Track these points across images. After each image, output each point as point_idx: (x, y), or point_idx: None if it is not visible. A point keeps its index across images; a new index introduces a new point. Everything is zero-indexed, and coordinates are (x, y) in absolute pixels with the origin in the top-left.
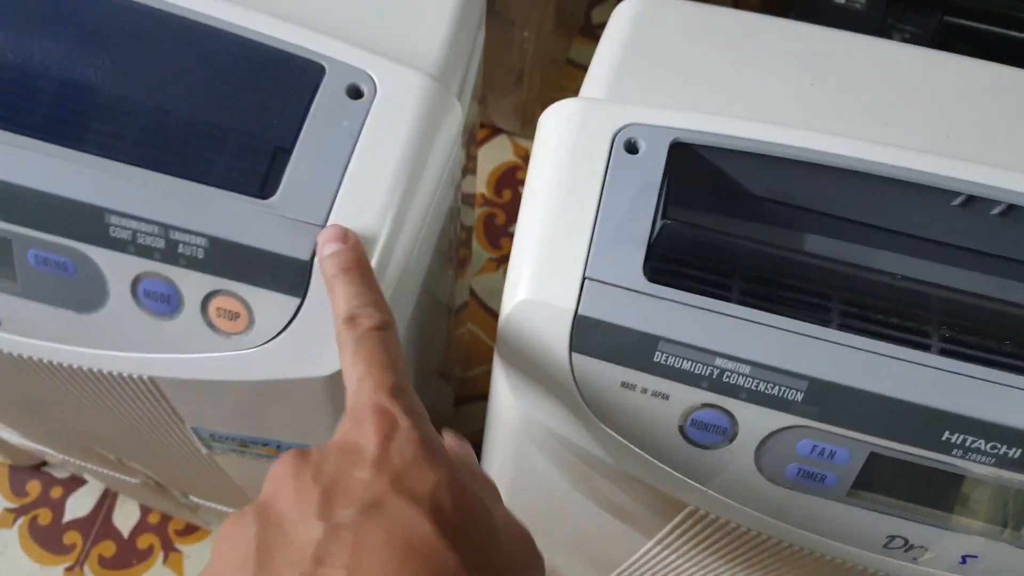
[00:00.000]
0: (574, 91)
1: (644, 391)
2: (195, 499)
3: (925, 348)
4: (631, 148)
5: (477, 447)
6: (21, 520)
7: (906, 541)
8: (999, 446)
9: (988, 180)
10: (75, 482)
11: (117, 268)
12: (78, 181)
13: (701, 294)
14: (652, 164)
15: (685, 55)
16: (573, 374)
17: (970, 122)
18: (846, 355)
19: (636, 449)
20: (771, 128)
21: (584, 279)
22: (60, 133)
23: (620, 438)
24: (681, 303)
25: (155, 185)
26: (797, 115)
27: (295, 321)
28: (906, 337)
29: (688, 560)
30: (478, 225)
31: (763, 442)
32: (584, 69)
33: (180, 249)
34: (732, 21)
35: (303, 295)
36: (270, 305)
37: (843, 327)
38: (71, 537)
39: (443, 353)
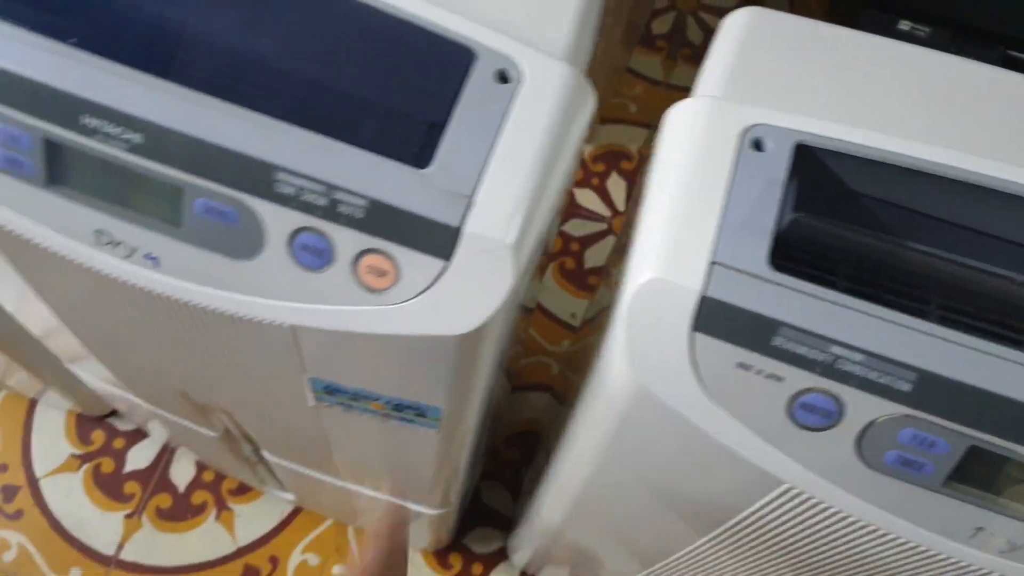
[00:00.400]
0: (631, 98)
1: (759, 372)
2: (268, 455)
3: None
4: (757, 146)
5: (528, 434)
6: (86, 466)
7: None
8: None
9: None
10: (137, 435)
11: (278, 221)
12: (252, 138)
13: (821, 285)
14: (777, 162)
15: (795, 64)
16: (693, 352)
17: None
18: (952, 350)
19: (743, 427)
20: (887, 138)
21: (712, 263)
22: (239, 93)
23: (729, 415)
24: (802, 292)
25: (322, 147)
26: (908, 126)
27: (438, 282)
28: (1008, 335)
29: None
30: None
31: (866, 428)
32: (641, 77)
33: (340, 208)
34: (837, 36)
35: (449, 258)
36: (417, 265)
37: (949, 323)
38: (131, 487)
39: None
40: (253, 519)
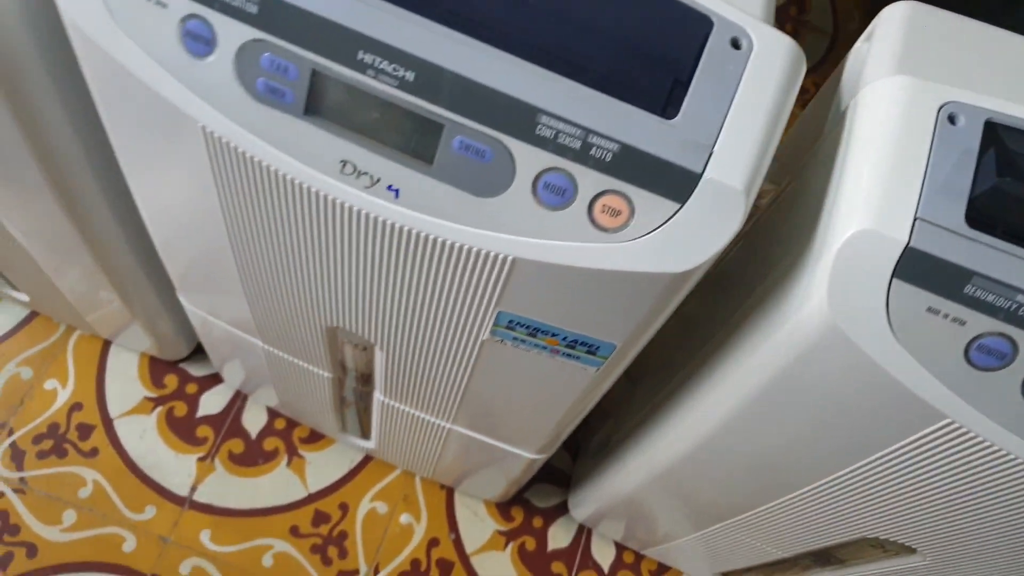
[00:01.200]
0: None
1: (945, 316)
2: (382, 397)
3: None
4: (952, 120)
5: None
6: (159, 409)
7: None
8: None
9: None
10: (210, 381)
11: (530, 161)
12: (519, 82)
13: (1011, 242)
14: (970, 135)
15: (958, 51)
16: (888, 296)
17: None
18: None
19: (920, 366)
20: None
21: (916, 219)
22: (508, 42)
23: (910, 355)
24: (995, 247)
25: (581, 94)
26: None
27: (669, 222)
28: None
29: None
30: None
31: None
32: None
33: (592, 151)
34: (981, 29)
35: (684, 201)
36: (652, 207)
37: None
38: (203, 431)
39: None
40: (324, 467)
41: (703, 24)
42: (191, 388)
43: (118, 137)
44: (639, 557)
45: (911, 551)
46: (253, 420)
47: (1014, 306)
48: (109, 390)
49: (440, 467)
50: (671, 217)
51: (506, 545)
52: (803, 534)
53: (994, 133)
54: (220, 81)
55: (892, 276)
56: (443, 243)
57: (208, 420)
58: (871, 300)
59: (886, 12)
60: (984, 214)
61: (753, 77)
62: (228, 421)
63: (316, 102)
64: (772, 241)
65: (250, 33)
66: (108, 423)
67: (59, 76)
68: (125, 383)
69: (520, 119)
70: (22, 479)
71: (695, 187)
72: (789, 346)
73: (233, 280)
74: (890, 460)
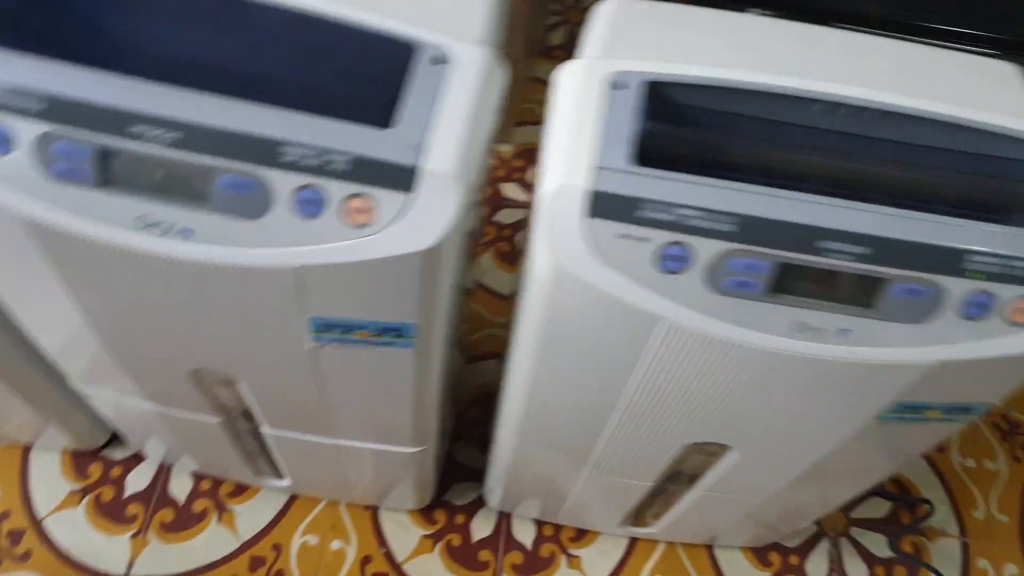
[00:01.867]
0: (537, 102)
1: (633, 238)
2: (268, 430)
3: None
4: (619, 86)
5: (487, 396)
6: (87, 498)
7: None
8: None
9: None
10: (132, 461)
11: (284, 184)
12: (262, 123)
13: (669, 170)
14: (634, 95)
15: (650, 31)
16: (587, 232)
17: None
18: (760, 200)
19: (628, 280)
20: (714, 69)
21: (596, 168)
22: (248, 93)
23: (617, 274)
24: (658, 177)
25: (313, 122)
26: (731, 61)
27: (406, 211)
28: (799, 186)
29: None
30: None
31: (710, 264)
32: (544, 83)
33: (331, 165)
34: (684, 11)
35: (411, 191)
36: (390, 201)
37: (757, 183)
38: (133, 509)
39: (459, 327)
40: (252, 515)
41: (407, 49)
42: (115, 472)
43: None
44: (557, 528)
45: (726, 447)
46: (179, 487)
47: (674, 219)
48: (35, 492)
49: (352, 487)
50: (405, 206)
51: (434, 547)
52: (646, 458)
53: (653, 90)
54: None
55: (586, 216)
56: (234, 267)
57: (136, 497)
58: (576, 238)
59: (598, 6)
60: (646, 153)
61: (453, 85)
62: (156, 494)
63: (108, 172)
64: None
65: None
66: (37, 524)
67: None
68: (50, 482)
69: (268, 152)
70: None
71: (417, 178)
72: (539, 292)
73: (95, 347)
74: (651, 372)
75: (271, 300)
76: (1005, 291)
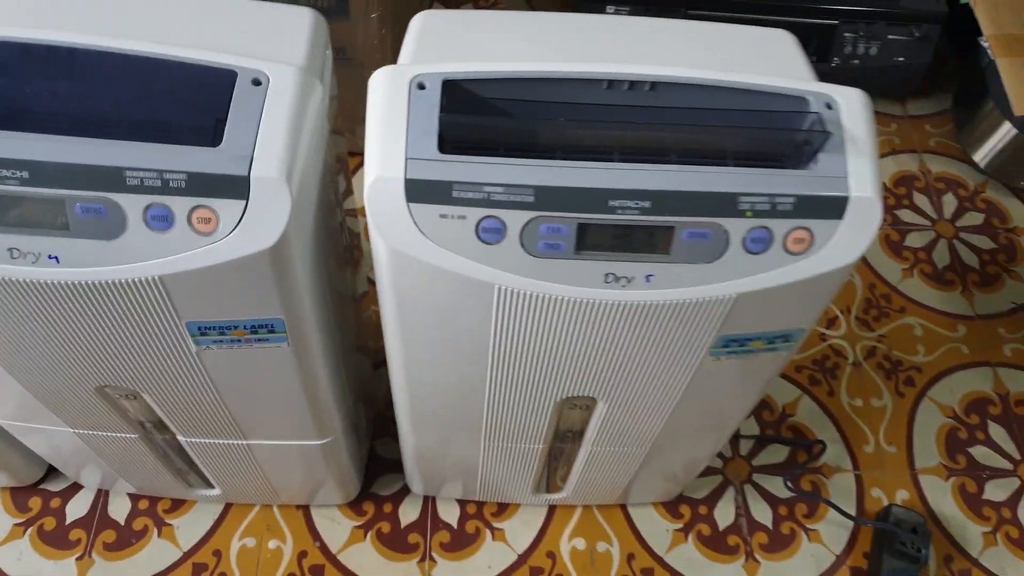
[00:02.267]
0: None
1: (452, 217)
2: (184, 439)
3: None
4: (421, 87)
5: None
6: (30, 530)
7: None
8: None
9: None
10: (71, 490)
11: (132, 204)
12: (104, 154)
13: (470, 155)
14: (433, 93)
15: (453, 37)
16: (412, 216)
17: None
18: (551, 172)
19: (456, 256)
20: (503, 64)
21: (407, 159)
22: (90, 130)
23: (446, 250)
24: (461, 162)
25: (150, 148)
26: (504, 54)
27: (244, 216)
28: (588, 156)
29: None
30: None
31: (520, 231)
32: None
33: (171, 183)
34: (489, 16)
35: (247, 197)
36: (230, 209)
37: (546, 157)
38: (76, 534)
39: (356, 332)
40: (191, 526)
41: (228, 75)
42: (55, 502)
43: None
44: (479, 504)
45: (593, 400)
46: (118, 509)
47: (483, 196)
48: None
49: (279, 488)
50: (244, 212)
51: (365, 536)
52: (528, 420)
53: (450, 88)
54: None
55: (407, 201)
56: (103, 284)
57: (78, 523)
58: (403, 222)
59: (412, 20)
60: (451, 142)
61: (272, 101)
62: (96, 518)
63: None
64: None
65: None
66: None
67: None
68: None
69: (114, 178)
70: None
71: (250, 185)
72: (383, 276)
73: (13, 384)
74: (502, 337)
75: (147, 311)
76: (779, 225)
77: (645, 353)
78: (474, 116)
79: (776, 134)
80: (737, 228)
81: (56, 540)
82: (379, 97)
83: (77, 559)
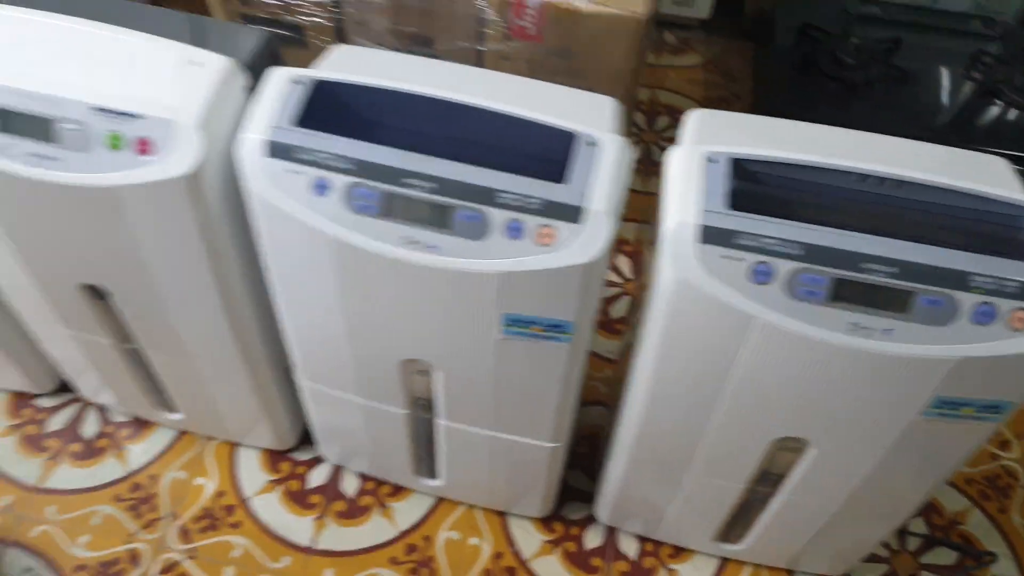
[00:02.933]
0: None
1: (731, 258)
2: (443, 421)
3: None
4: (712, 160)
5: (592, 436)
6: (280, 487)
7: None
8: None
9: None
10: (313, 462)
11: (498, 217)
12: (484, 178)
13: (752, 212)
14: (724, 166)
15: (727, 128)
16: (701, 254)
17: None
18: (818, 231)
19: (732, 290)
20: (776, 151)
21: (701, 210)
22: (472, 160)
23: (723, 284)
24: (747, 217)
25: (514, 178)
26: (800, 148)
27: (576, 236)
28: (845, 224)
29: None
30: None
31: (788, 278)
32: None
33: (529, 204)
34: (747, 118)
35: (578, 222)
36: (567, 229)
37: (819, 221)
38: (314, 499)
39: None
40: (407, 512)
41: (569, 136)
42: (300, 470)
43: (279, 273)
44: (657, 544)
45: (806, 443)
46: (349, 486)
47: (755, 244)
48: (242, 479)
49: (492, 488)
50: (576, 232)
51: (553, 550)
52: (740, 455)
53: (737, 163)
54: None
55: (698, 242)
56: (459, 272)
57: (316, 490)
58: (692, 257)
59: (688, 114)
60: (736, 200)
61: (602, 158)
62: (331, 489)
63: (388, 207)
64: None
65: None
66: (244, 502)
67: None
68: (252, 472)
69: (488, 196)
70: (191, 549)
71: (582, 214)
72: (663, 300)
73: (345, 346)
74: (746, 369)
75: (480, 299)
76: (1004, 304)
77: (866, 403)
78: (759, 186)
79: (998, 227)
80: (966, 300)
81: (299, 500)
82: (678, 166)
83: (315, 519)
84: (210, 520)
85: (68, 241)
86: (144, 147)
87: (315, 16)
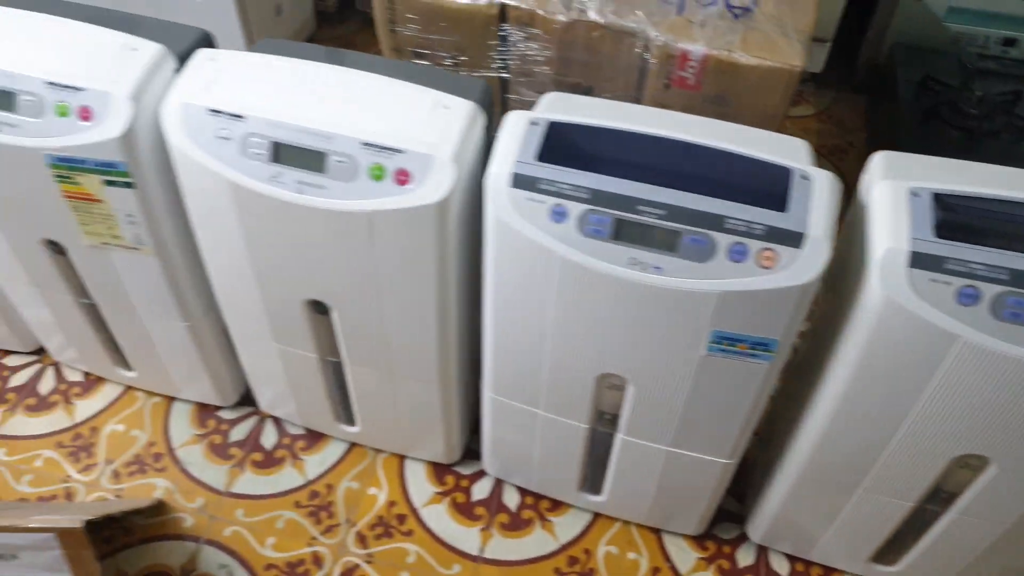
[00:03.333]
0: None
1: (939, 281)
2: (623, 436)
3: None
4: (915, 195)
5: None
6: (446, 499)
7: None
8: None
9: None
10: (476, 476)
11: (723, 241)
12: (714, 207)
13: (941, 238)
14: (927, 201)
15: (915, 169)
16: (909, 278)
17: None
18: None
19: (933, 308)
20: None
21: (911, 238)
22: (700, 190)
23: (932, 307)
24: (951, 244)
25: (740, 206)
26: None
27: (796, 259)
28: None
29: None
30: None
31: (995, 298)
32: None
33: (753, 231)
34: (935, 160)
35: (799, 247)
36: (787, 253)
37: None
38: (479, 511)
39: None
40: (566, 526)
41: (786, 171)
42: (464, 483)
43: (497, 292)
44: (807, 564)
45: (987, 461)
46: (510, 499)
47: (973, 269)
48: (411, 490)
49: (657, 502)
50: (796, 256)
51: (707, 566)
52: (916, 473)
53: (939, 198)
54: None
55: (908, 266)
56: (685, 292)
57: (480, 503)
58: (900, 281)
59: (874, 157)
60: (942, 230)
61: (817, 190)
62: (494, 502)
63: (618, 232)
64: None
65: None
66: (415, 512)
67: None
68: (420, 484)
69: (716, 222)
70: (369, 554)
71: (803, 240)
72: (870, 327)
73: (549, 361)
74: (941, 386)
75: (695, 317)
76: (754, 244)
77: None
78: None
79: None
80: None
81: (465, 512)
82: (886, 198)
83: (481, 530)
84: (384, 527)
85: (308, 259)
86: (403, 178)
87: (483, 70)
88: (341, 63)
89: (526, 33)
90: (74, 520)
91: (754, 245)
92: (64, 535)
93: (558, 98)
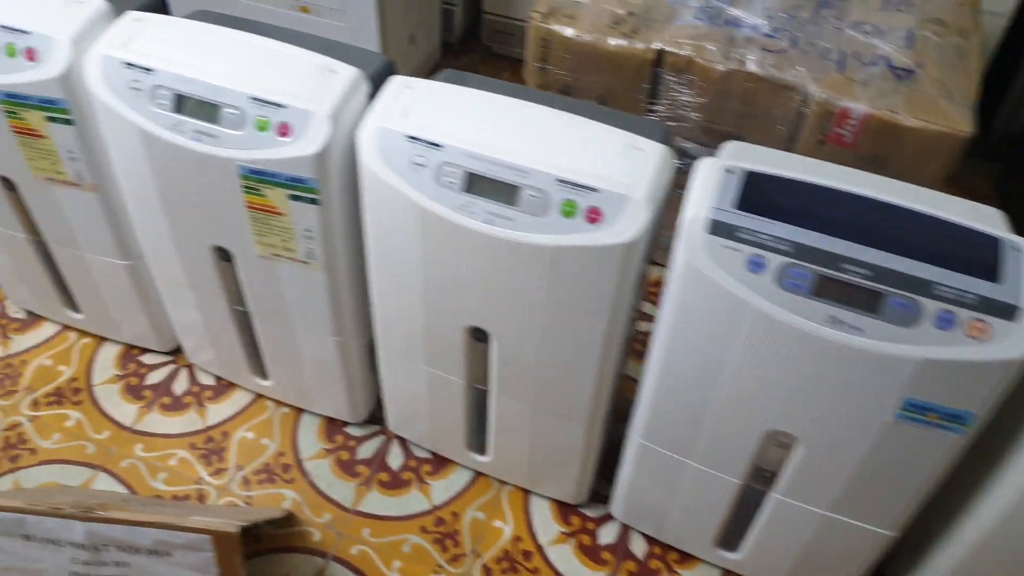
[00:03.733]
0: None
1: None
2: (779, 496)
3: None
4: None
5: None
6: (572, 540)
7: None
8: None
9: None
10: (603, 519)
11: (931, 307)
12: (923, 271)
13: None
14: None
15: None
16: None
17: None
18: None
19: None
20: None
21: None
22: (908, 253)
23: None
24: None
25: (952, 274)
26: None
27: (1009, 333)
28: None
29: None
30: None
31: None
32: None
33: (964, 300)
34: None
35: (1014, 320)
36: (999, 326)
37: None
38: (606, 555)
39: None
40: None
41: (994, 240)
42: (590, 525)
43: (674, 339)
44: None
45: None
46: (637, 546)
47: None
48: (536, 527)
49: (795, 570)
50: (1009, 330)
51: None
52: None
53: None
54: None
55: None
56: (894, 357)
57: (607, 547)
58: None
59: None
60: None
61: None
62: (621, 549)
63: (817, 288)
64: None
65: None
66: (540, 549)
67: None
68: (545, 522)
69: (924, 287)
70: None
71: (1018, 313)
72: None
73: (711, 410)
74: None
75: (890, 382)
76: (963, 313)
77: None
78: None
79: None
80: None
81: (591, 555)
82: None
83: (608, 575)
84: (510, 563)
85: (480, 287)
86: (595, 216)
87: (630, 112)
88: (522, 98)
89: (681, 79)
90: (230, 524)
91: (963, 314)
92: (219, 538)
93: (741, 147)
